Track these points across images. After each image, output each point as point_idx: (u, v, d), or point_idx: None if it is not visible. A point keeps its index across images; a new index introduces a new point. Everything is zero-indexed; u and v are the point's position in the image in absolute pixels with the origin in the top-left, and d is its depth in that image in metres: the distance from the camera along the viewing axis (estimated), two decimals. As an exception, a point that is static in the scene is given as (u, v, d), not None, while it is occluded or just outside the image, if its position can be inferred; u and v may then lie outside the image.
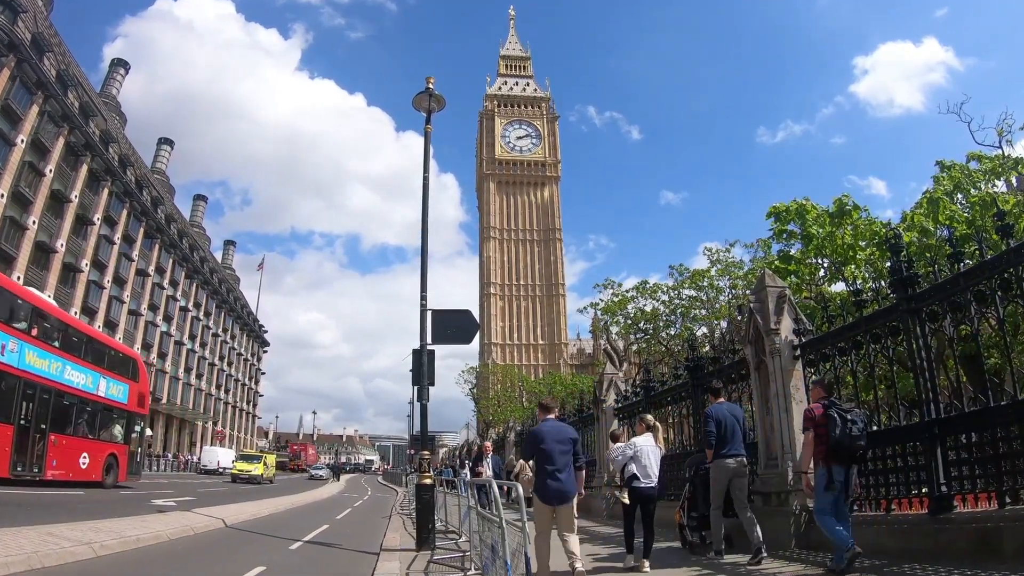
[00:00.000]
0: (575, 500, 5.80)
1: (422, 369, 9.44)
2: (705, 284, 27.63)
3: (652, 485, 6.75)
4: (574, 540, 5.61)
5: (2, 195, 35.13)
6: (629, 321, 30.98)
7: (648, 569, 6.33)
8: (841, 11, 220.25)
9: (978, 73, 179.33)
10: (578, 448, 5.95)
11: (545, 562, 5.51)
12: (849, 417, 5.40)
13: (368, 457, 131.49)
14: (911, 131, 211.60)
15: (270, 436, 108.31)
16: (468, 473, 19.72)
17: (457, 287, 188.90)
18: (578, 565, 5.45)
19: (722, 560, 6.63)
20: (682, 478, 8.37)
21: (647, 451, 6.84)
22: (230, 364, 78.67)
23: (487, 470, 12.57)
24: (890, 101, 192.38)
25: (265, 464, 38.01)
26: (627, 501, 6.87)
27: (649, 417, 7.55)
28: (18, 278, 35.47)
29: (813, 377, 7.51)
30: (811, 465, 5.60)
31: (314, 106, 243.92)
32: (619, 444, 7.69)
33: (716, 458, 6.86)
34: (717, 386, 7.91)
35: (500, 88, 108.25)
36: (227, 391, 77.40)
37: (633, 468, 6.80)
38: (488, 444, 13.85)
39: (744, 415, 7.50)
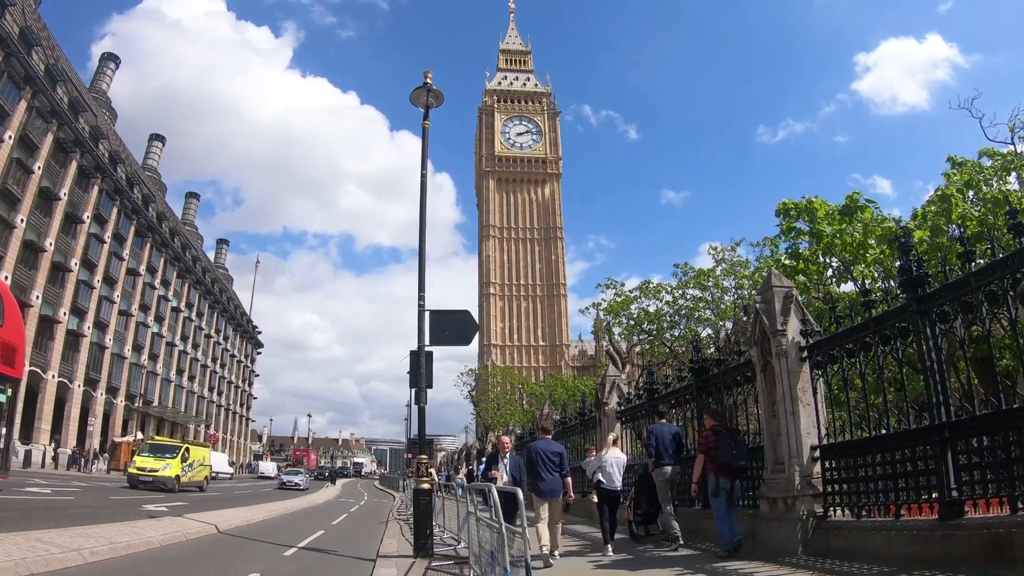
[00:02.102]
0: (562, 498, 7.99)
1: (420, 371, 9.43)
2: (710, 284, 27.63)
3: (615, 487, 8.92)
4: (558, 531, 8.07)
5: (-11, 193, 35.16)
6: (632, 322, 31.00)
7: (612, 552, 8.28)
8: (841, 7, 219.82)
9: (984, 69, 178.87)
10: (564, 460, 8.12)
11: (541, 543, 7.39)
12: (734, 443, 7.46)
13: (357, 460, 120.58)
14: (916, 129, 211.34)
15: (264, 440, 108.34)
16: (461, 479, 19.43)
17: (453, 288, 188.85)
18: (556, 554, 7.75)
19: (673, 550, 8.22)
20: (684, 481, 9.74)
21: (611, 462, 9.00)
22: (223, 366, 78.65)
23: (503, 475, 8.74)
24: (894, 99, 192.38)
25: (185, 460, 25.07)
26: (596, 500, 9.17)
27: (611, 435, 10.53)
28: (6, 278, 35.48)
29: (820, 379, 7.53)
30: (700, 475, 7.61)
31: (306, 105, 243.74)
32: (591, 458, 9.67)
33: (656, 467, 8.89)
34: (663, 410, 10.62)
35: (500, 83, 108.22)
36: (220, 393, 77.36)
37: (599, 475, 8.95)
38: (506, 439, 9.89)
39: (681, 432, 9.86)
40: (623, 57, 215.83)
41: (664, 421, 9.87)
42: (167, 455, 24.67)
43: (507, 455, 9.09)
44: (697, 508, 9.39)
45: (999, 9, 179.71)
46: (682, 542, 8.32)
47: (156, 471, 23.40)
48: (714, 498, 7.43)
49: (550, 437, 8.79)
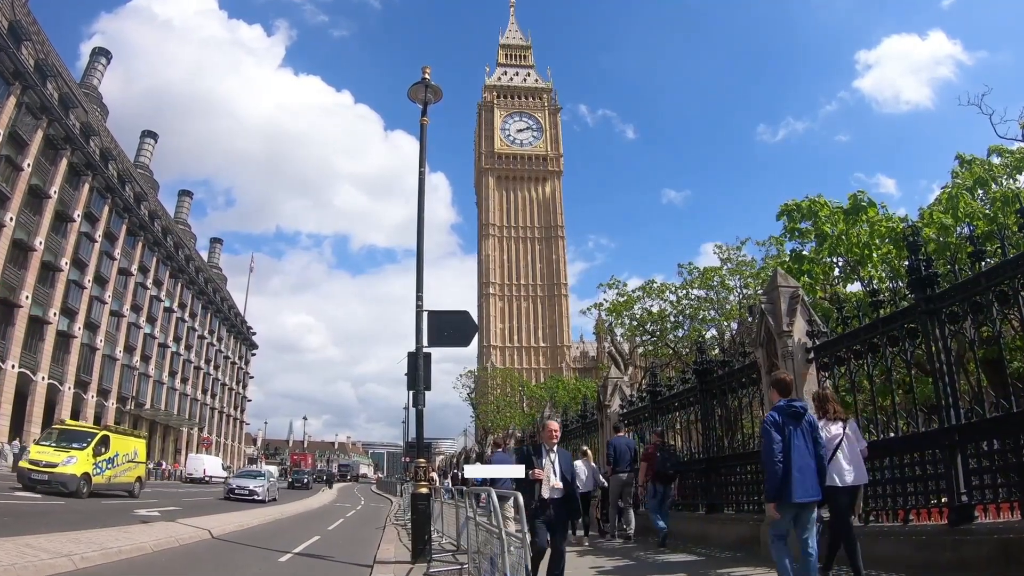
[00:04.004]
0: None
1: (418, 373, 9.43)
2: (715, 283, 27.61)
3: (587, 489, 11.00)
4: None
5: (-22, 190, 35.14)
6: (635, 323, 30.95)
7: (587, 544, 10.41)
8: (841, 4, 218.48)
9: (988, 67, 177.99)
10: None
11: None
12: (667, 456, 9.83)
13: (344, 463, 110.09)
14: (919, 127, 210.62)
15: (258, 443, 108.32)
16: (449, 482, 19.60)
17: (449, 289, 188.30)
18: None
19: (616, 542, 10.69)
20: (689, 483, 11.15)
21: (581, 467, 10.80)
22: (217, 368, 78.62)
23: (551, 477, 6.13)
24: (896, 96, 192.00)
25: (101, 453, 19.38)
26: None
27: (584, 447, 13.07)
28: (-5, 277, 35.47)
29: (827, 382, 7.53)
30: (645, 480, 9.90)
31: (299, 103, 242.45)
32: None
33: (613, 474, 10.88)
34: (618, 424, 12.63)
35: (500, 78, 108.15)
36: (214, 396, 77.34)
37: None
38: (554, 424, 6.78)
39: (636, 444, 11.83)
40: (620, 55, 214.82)
41: (622, 434, 11.79)
42: (73, 445, 18.60)
43: (554, 448, 6.49)
44: (680, 511, 10.66)
45: (1002, 5, 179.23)
46: (631, 535, 10.59)
47: (54, 466, 17.56)
48: (651, 499, 9.72)
49: (501, 450, 11.39)
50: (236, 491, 25.47)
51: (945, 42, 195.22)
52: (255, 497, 24.95)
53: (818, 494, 4.89)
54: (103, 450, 19.52)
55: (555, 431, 6.66)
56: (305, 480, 49.97)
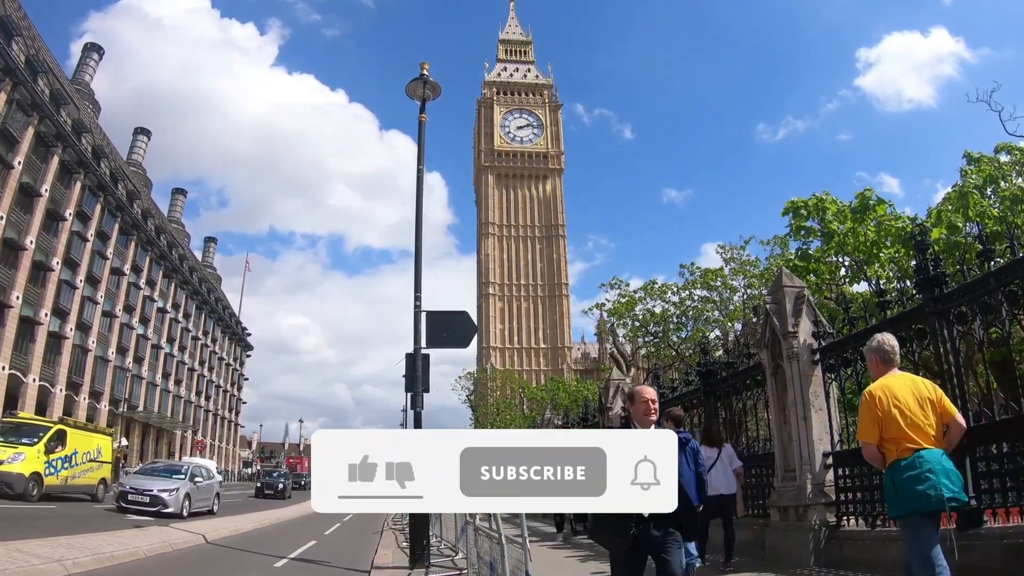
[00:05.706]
0: None
1: (416, 375, 9.43)
2: (718, 284, 27.63)
3: None
4: None
5: (-32, 189, 35.15)
6: (637, 323, 30.98)
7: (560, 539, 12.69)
8: (841, 1, 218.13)
9: (991, 65, 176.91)
10: None
11: None
12: None
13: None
14: (922, 125, 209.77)
15: (254, 446, 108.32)
16: None
17: (446, 291, 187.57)
18: None
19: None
20: None
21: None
22: (211, 369, 78.58)
23: None
24: (898, 94, 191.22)
25: (54, 451, 17.55)
26: None
27: None
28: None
29: (833, 383, 7.54)
30: None
31: (293, 103, 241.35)
32: None
33: None
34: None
35: (499, 75, 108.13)
36: (208, 398, 77.30)
37: None
38: (649, 391, 4.22)
39: None
40: (618, 53, 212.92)
41: None
42: (23, 440, 16.87)
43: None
44: None
45: (1005, 2, 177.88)
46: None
47: None
48: None
49: None
50: (131, 496, 16.48)
51: (947, 39, 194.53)
52: (162, 508, 15.94)
53: (696, 503, 6.17)
54: (58, 447, 17.78)
55: (653, 402, 4.19)
56: (280, 485, 34.26)
